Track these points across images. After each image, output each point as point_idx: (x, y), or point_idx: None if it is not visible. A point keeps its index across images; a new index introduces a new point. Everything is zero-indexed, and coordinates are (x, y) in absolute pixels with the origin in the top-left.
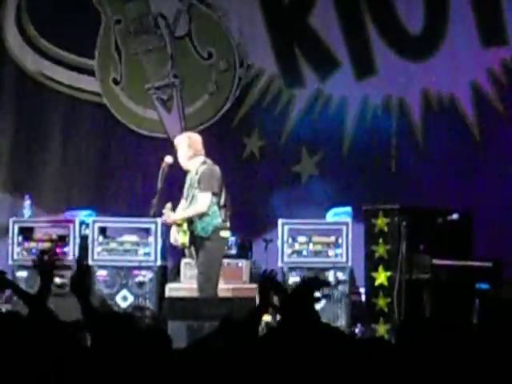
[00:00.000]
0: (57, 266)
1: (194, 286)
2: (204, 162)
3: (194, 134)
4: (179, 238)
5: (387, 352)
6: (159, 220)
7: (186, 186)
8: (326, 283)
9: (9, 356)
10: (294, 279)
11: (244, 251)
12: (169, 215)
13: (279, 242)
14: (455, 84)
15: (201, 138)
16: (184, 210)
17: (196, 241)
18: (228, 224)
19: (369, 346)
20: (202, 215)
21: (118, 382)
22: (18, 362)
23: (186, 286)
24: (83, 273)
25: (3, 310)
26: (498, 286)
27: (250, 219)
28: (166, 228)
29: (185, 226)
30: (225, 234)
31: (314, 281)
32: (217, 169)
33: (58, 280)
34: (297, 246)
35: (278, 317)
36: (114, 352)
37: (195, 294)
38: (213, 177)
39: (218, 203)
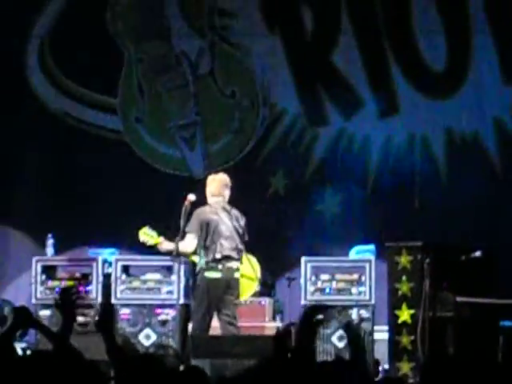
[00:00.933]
0: (79, 304)
1: (217, 324)
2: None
3: (218, 174)
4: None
5: None
6: (183, 259)
7: None
8: (326, 306)
9: None
10: (317, 317)
11: (267, 289)
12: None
13: (302, 280)
14: (478, 121)
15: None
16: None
17: None
18: (219, 265)
19: None
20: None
21: None
22: None
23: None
24: (109, 311)
25: (28, 351)
26: None
27: (273, 257)
28: (189, 267)
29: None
30: (209, 274)
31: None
32: (201, 209)
33: (80, 318)
34: (320, 284)
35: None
36: None
37: (218, 333)
38: (196, 219)
39: (203, 245)
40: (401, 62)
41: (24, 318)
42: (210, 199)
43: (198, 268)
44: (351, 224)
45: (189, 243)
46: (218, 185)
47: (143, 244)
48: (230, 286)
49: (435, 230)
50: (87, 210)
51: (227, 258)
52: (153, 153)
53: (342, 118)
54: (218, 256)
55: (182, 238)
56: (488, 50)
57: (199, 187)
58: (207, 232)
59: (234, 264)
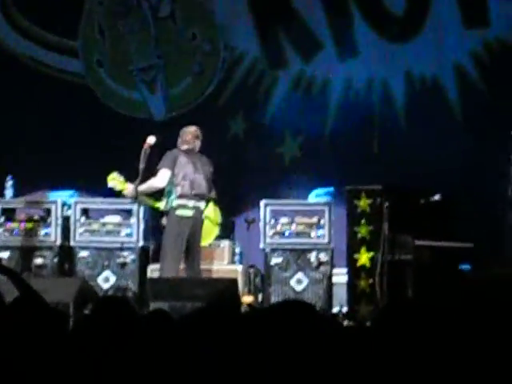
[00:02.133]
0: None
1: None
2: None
3: (189, 127)
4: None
5: (368, 337)
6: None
7: None
8: None
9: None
10: (276, 260)
11: (226, 232)
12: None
13: (261, 223)
14: (438, 65)
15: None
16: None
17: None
18: (189, 203)
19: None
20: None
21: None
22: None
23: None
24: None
25: None
26: (479, 267)
27: (233, 200)
28: (148, 209)
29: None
30: (181, 212)
31: None
32: (173, 150)
33: (39, 260)
34: (279, 227)
35: (260, 297)
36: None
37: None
38: (170, 156)
39: (174, 182)
40: (361, 5)
41: None
42: (181, 147)
43: (167, 206)
44: (311, 167)
45: (161, 178)
46: (190, 135)
47: (109, 189)
48: (196, 226)
49: (394, 174)
50: (48, 153)
51: (197, 196)
52: (114, 96)
53: (302, 61)
54: (190, 192)
55: (141, 181)
56: None
57: (160, 130)
58: (178, 170)
59: (201, 205)
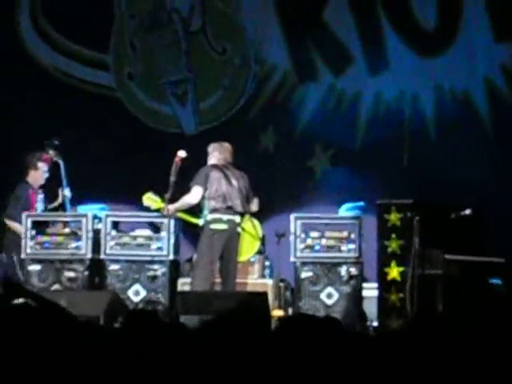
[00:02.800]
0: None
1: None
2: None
3: (221, 142)
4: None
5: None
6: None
7: None
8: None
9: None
10: (306, 274)
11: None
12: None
13: (292, 237)
14: (469, 79)
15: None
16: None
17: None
18: (223, 216)
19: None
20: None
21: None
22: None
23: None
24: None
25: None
26: (510, 282)
27: (263, 213)
28: (179, 223)
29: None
30: (215, 226)
31: None
32: (207, 166)
33: (70, 274)
34: (309, 241)
35: (290, 311)
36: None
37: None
38: (203, 173)
39: (208, 196)
40: (392, 19)
41: (15, 292)
42: (213, 162)
43: (202, 221)
44: (341, 181)
45: (194, 195)
46: (223, 150)
47: (141, 204)
48: (231, 239)
49: (425, 188)
50: (79, 166)
51: (230, 209)
52: (144, 109)
53: (333, 75)
54: (223, 206)
55: (172, 194)
56: (479, 7)
57: (190, 144)
58: (211, 185)
59: (236, 218)
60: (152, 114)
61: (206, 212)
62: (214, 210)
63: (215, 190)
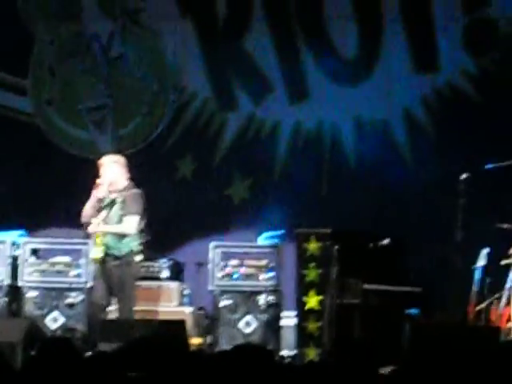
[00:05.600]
0: None
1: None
2: (131, 185)
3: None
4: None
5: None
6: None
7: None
8: None
9: None
10: (224, 303)
11: (176, 274)
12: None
13: (210, 265)
14: (388, 109)
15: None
16: (112, 226)
17: (108, 259)
18: (142, 248)
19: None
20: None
21: None
22: None
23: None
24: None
25: None
26: (427, 312)
27: (182, 242)
28: None
29: (99, 240)
30: (138, 258)
31: None
32: (142, 194)
33: None
34: (228, 269)
35: (209, 340)
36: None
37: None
38: (141, 200)
39: (141, 228)
40: (312, 48)
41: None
42: (127, 180)
43: (125, 251)
44: (260, 209)
45: (136, 225)
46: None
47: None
48: None
49: (344, 218)
50: None
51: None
52: (63, 135)
53: (252, 103)
54: (146, 239)
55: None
56: (399, 37)
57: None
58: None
59: None
60: (70, 139)
61: (135, 243)
62: (141, 243)
63: (144, 223)
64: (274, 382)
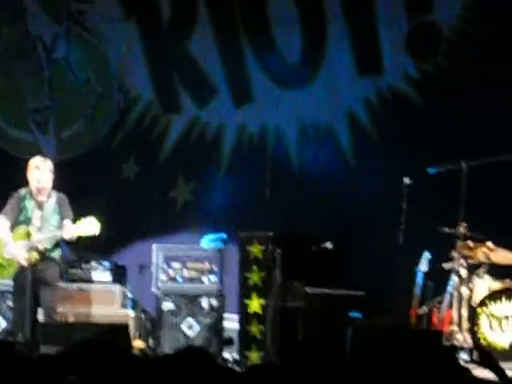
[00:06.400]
0: None
1: (67, 310)
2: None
3: None
4: (32, 255)
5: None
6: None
7: (39, 211)
8: None
9: None
10: (167, 305)
11: (118, 276)
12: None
13: (153, 268)
14: (331, 112)
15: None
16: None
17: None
18: None
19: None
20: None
21: None
22: None
23: (58, 310)
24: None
25: None
26: (370, 315)
27: (124, 244)
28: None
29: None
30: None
31: None
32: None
33: None
34: (171, 272)
35: (151, 342)
36: None
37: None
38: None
39: None
40: (256, 50)
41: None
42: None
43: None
44: (203, 212)
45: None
46: None
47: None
48: None
49: (287, 220)
50: None
51: None
52: (5, 136)
53: (196, 106)
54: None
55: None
56: (343, 41)
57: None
58: None
59: None
60: (13, 141)
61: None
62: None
63: None
64: None
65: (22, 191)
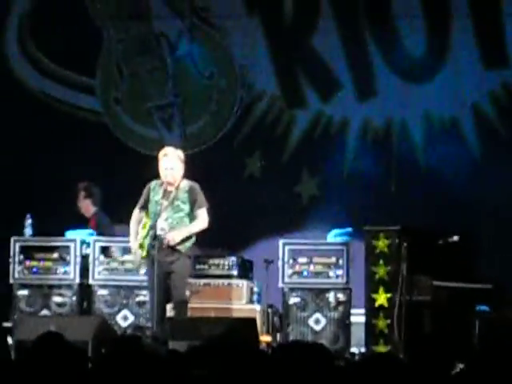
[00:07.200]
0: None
1: (196, 305)
2: (186, 180)
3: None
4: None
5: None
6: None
7: (166, 201)
8: None
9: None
10: (294, 300)
11: (245, 271)
12: (172, 236)
13: (280, 263)
14: (457, 106)
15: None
16: (186, 227)
17: (173, 255)
18: None
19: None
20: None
21: None
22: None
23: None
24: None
25: None
26: (498, 308)
27: (250, 239)
28: None
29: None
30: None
31: None
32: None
33: (58, 299)
34: (297, 267)
35: (278, 337)
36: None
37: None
38: (202, 193)
39: None
40: (380, 46)
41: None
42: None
43: (189, 245)
44: (329, 206)
45: (205, 219)
46: None
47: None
48: None
49: (412, 214)
50: (65, 192)
51: None
52: (131, 133)
53: (320, 101)
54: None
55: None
56: (467, 34)
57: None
58: None
59: None
60: (138, 137)
61: (194, 238)
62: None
63: None
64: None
65: (153, 183)
